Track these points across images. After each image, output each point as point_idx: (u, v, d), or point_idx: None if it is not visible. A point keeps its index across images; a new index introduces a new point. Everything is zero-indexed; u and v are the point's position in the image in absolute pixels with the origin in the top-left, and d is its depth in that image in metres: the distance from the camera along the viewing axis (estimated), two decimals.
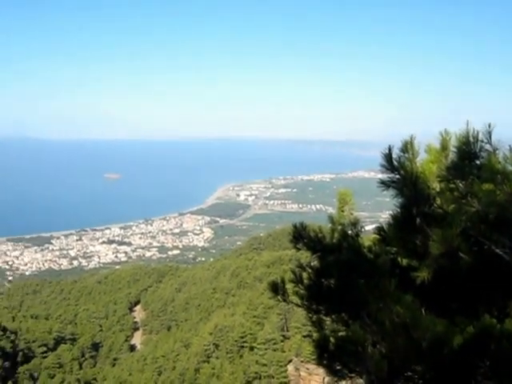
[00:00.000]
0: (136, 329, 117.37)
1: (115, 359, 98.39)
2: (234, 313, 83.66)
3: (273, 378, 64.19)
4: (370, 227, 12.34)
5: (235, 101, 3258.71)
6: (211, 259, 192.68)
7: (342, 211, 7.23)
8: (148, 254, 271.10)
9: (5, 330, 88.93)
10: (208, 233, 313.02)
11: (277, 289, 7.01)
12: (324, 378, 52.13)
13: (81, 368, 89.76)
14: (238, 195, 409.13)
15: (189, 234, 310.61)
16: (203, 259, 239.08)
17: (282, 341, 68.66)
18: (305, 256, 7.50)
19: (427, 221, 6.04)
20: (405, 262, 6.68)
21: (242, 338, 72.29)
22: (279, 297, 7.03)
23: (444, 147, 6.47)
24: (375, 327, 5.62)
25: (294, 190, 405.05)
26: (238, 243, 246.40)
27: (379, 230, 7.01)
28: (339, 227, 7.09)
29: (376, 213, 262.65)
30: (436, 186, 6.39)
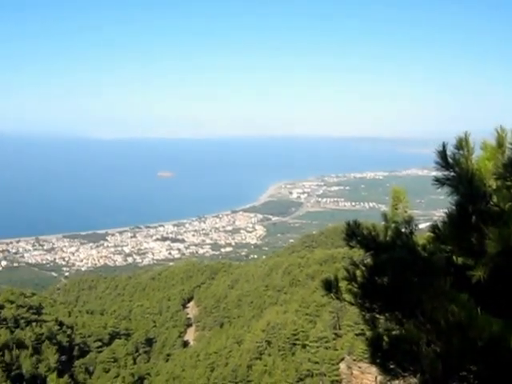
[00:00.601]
0: (189, 325, 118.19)
1: (168, 355, 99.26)
2: (287, 310, 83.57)
3: (325, 375, 63.94)
4: (423, 225, 12.19)
5: (288, 99, 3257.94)
6: (263, 257, 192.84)
7: (396, 209, 7.17)
8: (201, 251, 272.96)
9: (61, 324, 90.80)
10: (260, 230, 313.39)
11: (330, 286, 6.99)
12: (376, 377, 51.65)
13: (135, 363, 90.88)
14: (291, 193, 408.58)
15: (241, 231, 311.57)
16: (255, 256, 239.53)
17: (334, 339, 68.36)
18: (358, 254, 7.46)
19: (483, 219, 5.95)
20: (460, 260, 6.59)
21: (294, 335, 72.18)
22: (332, 294, 7.01)
23: (500, 144, 6.36)
24: (430, 326, 5.56)
25: (347, 187, 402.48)
26: (291, 241, 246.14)
27: (434, 228, 6.93)
28: (393, 225, 7.04)
29: (430, 211, 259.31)
30: (492, 183, 6.29)
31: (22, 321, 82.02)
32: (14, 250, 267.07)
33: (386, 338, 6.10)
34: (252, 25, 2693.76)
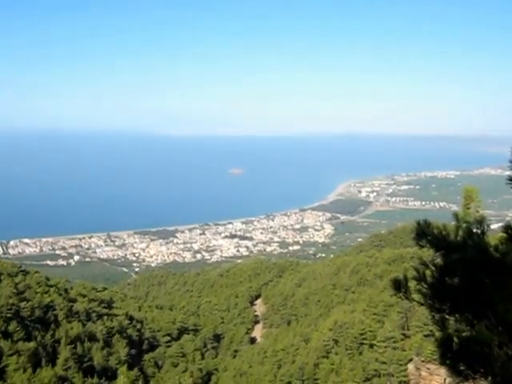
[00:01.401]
0: (256, 322, 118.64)
1: (236, 351, 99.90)
2: (354, 309, 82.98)
3: (392, 376, 63.18)
4: (496, 226, 11.94)
5: (356, 97, 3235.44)
6: (331, 255, 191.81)
7: (468, 208, 7.05)
8: (269, 249, 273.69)
9: (132, 319, 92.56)
10: (329, 229, 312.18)
11: (399, 286, 6.93)
12: (445, 379, 50.69)
13: (203, 358, 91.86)
14: (360, 192, 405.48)
15: (309, 229, 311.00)
16: (323, 255, 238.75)
17: (402, 339, 67.45)
18: (427, 254, 7.37)
19: None
20: None
21: (362, 334, 71.60)
22: (401, 294, 6.95)
23: None
24: (502, 328, 5.46)
25: (417, 186, 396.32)
26: (359, 240, 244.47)
27: (507, 228, 6.78)
28: (464, 225, 6.92)
29: (503, 211, 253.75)
30: None
31: (94, 314, 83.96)
32: (86, 246, 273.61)
33: (455, 340, 6.01)
34: (329, 26, 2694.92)
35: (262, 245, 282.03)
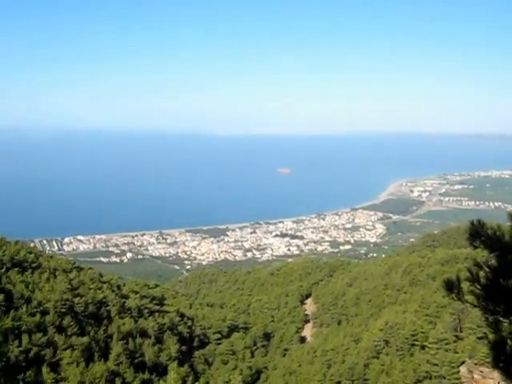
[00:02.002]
0: (307, 321, 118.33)
1: (286, 350, 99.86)
2: (406, 310, 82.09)
3: (444, 378, 62.24)
4: None
5: (410, 96, 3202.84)
6: (383, 255, 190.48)
7: None
8: (320, 248, 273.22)
9: (182, 316, 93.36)
10: (380, 229, 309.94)
11: (451, 287, 6.84)
12: (499, 382, 49.87)
13: (252, 356, 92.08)
14: (412, 191, 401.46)
15: (361, 229, 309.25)
16: (375, 255, 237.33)
17: (454, 341, 66.40)
18: (481, 255, 7.25)
19: None
20: None
21: (413, 336, 70.76)
22: (453, 296, 6.86)
23: None
24: None
25: (471, 186, 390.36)
26: (411, 240, 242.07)
27: None
28: None
29: None
30: None
31: (146, 311, 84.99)
32: (138, 243, 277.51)
33: (509, 342, 5.90)
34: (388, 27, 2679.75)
35: (312, 244, 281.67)
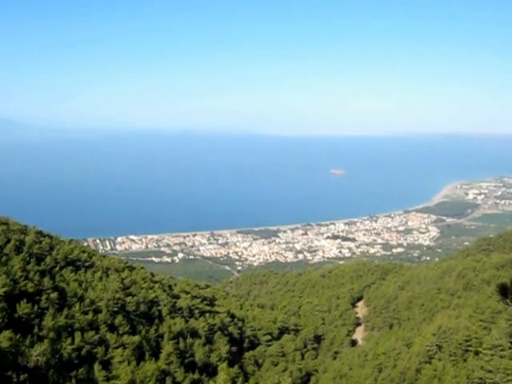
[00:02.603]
0: (358, 324, 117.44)
1: (336, 353, 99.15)
2: (459, 315, 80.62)
3: None
4: None
5: (460, 97, 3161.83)
6: (436, 259, 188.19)
7: None
8: (372, 251, 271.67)
9: (233, 316, 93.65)
10: (434, 232, 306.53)
11: (505, 292, 6.53)
12: None
13: (303, 358, 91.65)
14: (467, 194, 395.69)
15: (414, 232, 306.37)
16: (428, 258, 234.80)
17: (510, 348, 64.98)
18: None
19: None
20: None
21: (467, 341, 69.39)
22: (508, 301, 6.54)
23: None
24: None
25: None
26: (466, 243, 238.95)
27: None
28: None
29: None
30: None
31: (196, 311, 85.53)
32: (190, 244, 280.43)
33: None
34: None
35: (364, 246, 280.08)
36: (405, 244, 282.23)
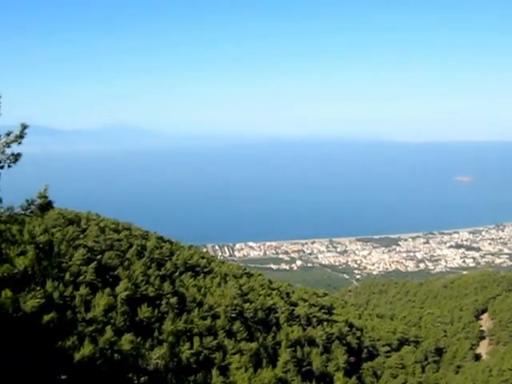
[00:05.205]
0: (482, 338, 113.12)
1: (458, 367, 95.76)
2: None
3: None
4: None
5: None
6: None
7: None
8: (497, 261, 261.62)
9: (351, 326, 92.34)
10: None
11: None
12: None
13: (423, 371, 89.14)
14: None
15: None
16: None
17: None
18: None
19: None
20: None
21: None
22: None
23: None
24: None
25: None
26: None
27: None
28: None
29: None
30: None
31: (314, 319, 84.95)
32: (308, 251, 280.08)
33: None
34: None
35: (489, 256, 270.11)
36: None
